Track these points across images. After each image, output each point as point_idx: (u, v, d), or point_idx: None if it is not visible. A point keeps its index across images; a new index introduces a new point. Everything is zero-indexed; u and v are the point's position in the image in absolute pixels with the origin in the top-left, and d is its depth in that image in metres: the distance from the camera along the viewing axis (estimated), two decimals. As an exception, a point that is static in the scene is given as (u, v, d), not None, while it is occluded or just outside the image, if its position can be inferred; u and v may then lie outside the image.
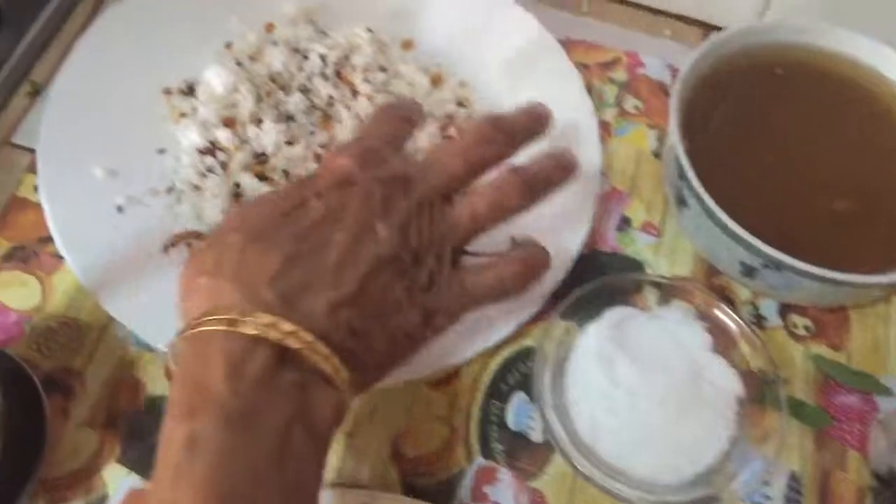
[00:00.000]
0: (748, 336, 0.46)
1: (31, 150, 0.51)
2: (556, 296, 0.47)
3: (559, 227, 0.50)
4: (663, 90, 0.58)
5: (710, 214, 0.45)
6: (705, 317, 0.47)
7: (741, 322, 0.47)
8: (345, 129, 0.52)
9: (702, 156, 0.47)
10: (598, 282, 0.47)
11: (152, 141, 0.51)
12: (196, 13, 0.55)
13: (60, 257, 0.46)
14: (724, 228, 0.45)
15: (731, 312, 0.47)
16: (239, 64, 0.53)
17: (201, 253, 0.36)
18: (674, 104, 0.47)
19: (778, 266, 0.44)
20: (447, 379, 0.46)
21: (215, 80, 0.51)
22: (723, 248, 0.47)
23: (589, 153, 0.53)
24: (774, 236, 0.44)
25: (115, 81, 0.52)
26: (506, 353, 0.47)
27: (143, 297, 0.45)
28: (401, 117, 0.43)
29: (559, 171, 0.43)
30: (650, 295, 0.48)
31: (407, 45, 0.57)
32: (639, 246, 0.52)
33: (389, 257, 0.36)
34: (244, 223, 0.36)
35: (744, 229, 0.44)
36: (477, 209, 0.39)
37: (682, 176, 0.47)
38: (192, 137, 0.50)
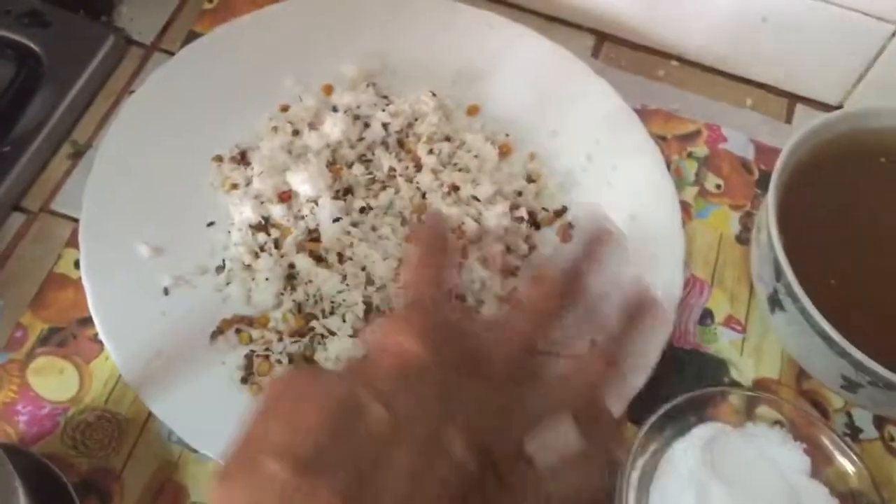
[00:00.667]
0: (846, 453, 0.42)
1: (73, 219, 0.47)
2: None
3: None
4: (746, 167, 0.53)
5: (812, 323, 0.41)
6: (799, 431, 0.43)
7: (839, 439, 0.42)
8: (404, 202, 0.48)
9: (800, 253, 0.42)
10: (686, 397, 0.43)
11: (201, 213, 0.48)
12: (249, 73, 0.52)
13: (101, 341, 0.43)
14: (828, 340, 0.41)
15: (827, 428, 0.43)
16: (296, 132, 0.50)
17: (230, 482, 0.27)
18: (771, 196, 0.43)
19: (890, 385, 0.40)
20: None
21: (302, 185, 0.47)
22: (823, 359, 0.42)
23: (671, 240, 0.48)
24: (883, 351, 0.40)
25: (163, 147, 0.49)
26: (581, 464, 0.43)
27: (188, 394, 0.42)
28: (438, 249, 0.35)
29: (646, 334, 0.35)
30: (738, 404, 0.44)
31: (472, 110, 0.53)
32: (722, 343, 0.48)
33: (464, 477, 0.29)
34: (284, 439, 0.27)
35: (852, 344, 0.40)
36: (553, 399, 0.32)
37: (779, 276, 0.43)
38: (245, 212, 0.47)
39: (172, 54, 0.54)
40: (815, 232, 0.45)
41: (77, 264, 0.45)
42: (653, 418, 0.42)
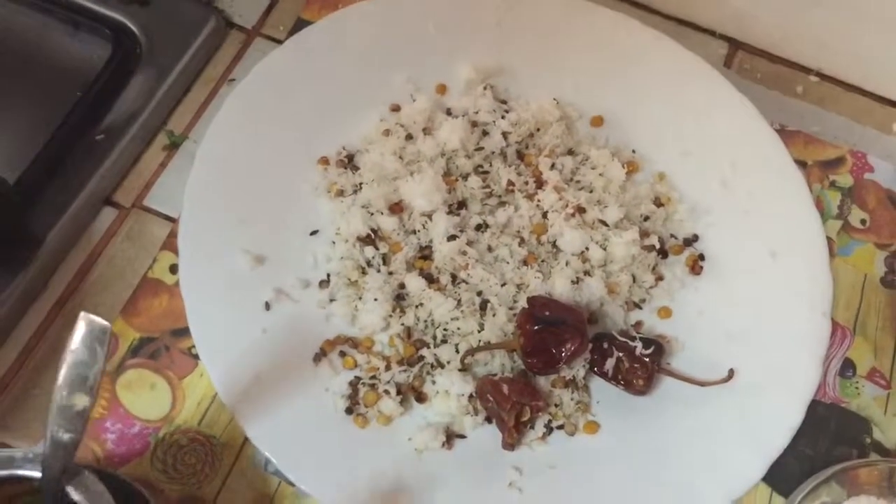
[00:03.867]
0: None
1: (166, 217, 0.44)
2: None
3: (784, 372, 0.42)
4: (893, 201, 0.49)
5: None
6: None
7: None
8: (523, 221, 0.44)
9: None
10: (833, 471, 0.39)
11: (304, 220, 0.44)
12: (359, 67, 0.48)
13: (196, 355, 0.40)
14: None
15: None
16: (409, 137, 0.46)
17: None
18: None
19: None
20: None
21: (417, 198, 0.43)
22: None
23: (817, 284, 0.44)
24: None
25: (266, 145, 0.45)
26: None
27: (288, 421, 0.38)
28: None
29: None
30: (886, 474, 0.39)
31: (596, 121, 0.49)
32: (864, 398, 0.43)
33: None
34: None
35: None
36: None
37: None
38: (352, 222, 0.43)
39: (275, 40, 0.50)
40: None
41: (172, 269, 0.42)
42: (800, 496, 0.38)
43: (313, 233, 0.44)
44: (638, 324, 0.44)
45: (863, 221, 0.48)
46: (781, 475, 0.40)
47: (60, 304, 0.42)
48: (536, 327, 0.40)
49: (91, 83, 0.46)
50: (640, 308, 0.44)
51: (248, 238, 0.42)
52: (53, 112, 0.45)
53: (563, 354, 0.40)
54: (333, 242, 0.44)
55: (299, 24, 0.50)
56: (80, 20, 0.48)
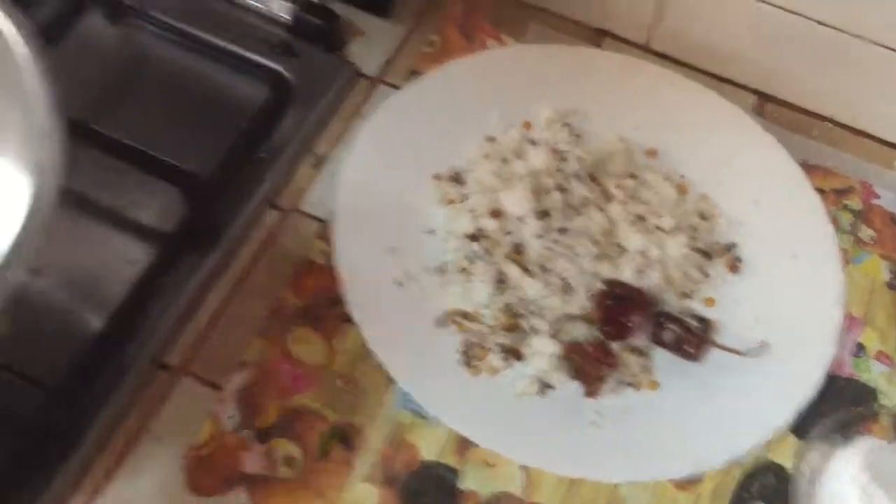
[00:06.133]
0: None
1: (316, 218, 0.56)
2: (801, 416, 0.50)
3: (805, 346, 0.53)
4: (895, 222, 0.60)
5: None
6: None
7: None
8: (596, 226, 0.56)
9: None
10: (846, 411, 0.49)
11: (423, 222, 0.56)
12: (461, 107, 0.61)
13: (344, 320, 0.51)
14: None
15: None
16: (504, 160, 0.58)
17: None
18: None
19: None
20: (692, 481, 0.49)
21: (512, 206, 0.55)
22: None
23: (831, 278, 0.55)
24: None
25: (392, 165, 0.57)
26: (749, 464, 0.49)
27: (420, 369, 0.50)
28: None
29: None
30: (888, 424, 0.50)
31: (651, 153, 0.61)
32: (873, 374, 0.54)
33: None
34: None
35: None
36: None
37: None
38: (462, 223, 0.55)
39: (394, 87, 0.63)
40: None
41: (324, 254, 0.54)
42: (820, 427, 0.48)
43: (430, 232, 0.56)
44: (689, 310, 0.55)
45: (871, 237, 0.59)
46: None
47: (240, 281, 0.53)
48: (610, 303, 0.51)
49: (255, 115, 0.59)
50: (690, 298, 0.55)
51: (382, 234, 0.54)
52: (227, 134, 0.58)
53: (631, 325, 0.51)
54: (446, 240, 0.55)
55: (413, 75, 0.63)
56: (244, 67, 0.62)
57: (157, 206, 0.54)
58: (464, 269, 0.54)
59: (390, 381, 0.50)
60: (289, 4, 0.63)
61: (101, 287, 0.52)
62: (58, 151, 0.38)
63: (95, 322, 0.50)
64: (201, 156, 0.56)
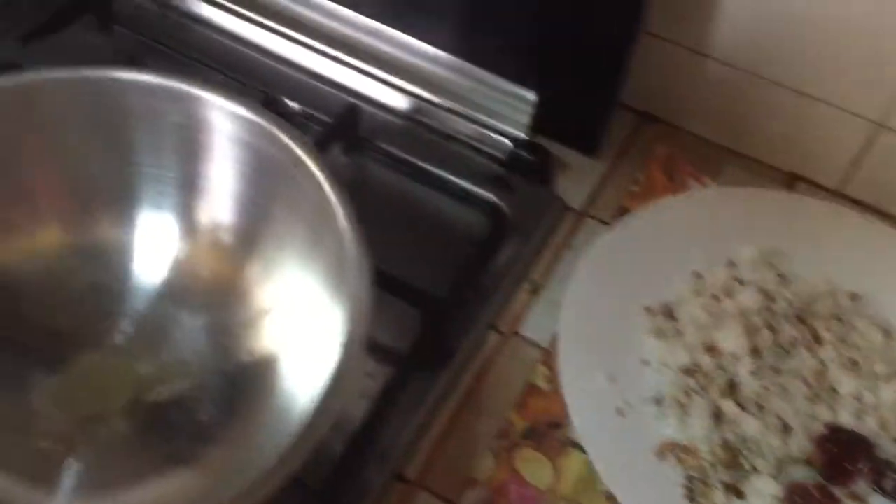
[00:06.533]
0: None
1: (534, 343, 0.60)
2: None
3: None
4: None
5: None
6: None
7: None
8: (808, 370, 0.58)
9: None
10: None
11: (638, 353, 0.59)
12: (668, 244, 0.64)
13: (568, 444, 0.54)
14: None
15: None
16: (715, 298, 0.61)
17: None
18: None
19: None
20: None
21: (726, 344, 0.58)
22: None
23: None
24: None
25: (608, 297, 0.61)
26: None
27: (645, 496, 0.52)
28: None
29: None
30: None
31: (854, 297, 0.63)
32: None
33: None
34: None
35: None
36: None
37: None
38: (677, 357, 0.58)
39: (599, 220, 0.67)
40: None
41: (546, 379, 0.57)
42: None
43: (644, 362, 0.59)
44: (903, 457, 0.55)
45: None
46: None
47: (466, 400, 0.57)
48: (833, 447, 0.53)
49: (477, 242, 0.64)
50: (905, 444, 0.56)
51: (601, 363, 0.58)
52: (454, 260, 0.63)
53: (855, 471, 0.52)
54: (660, 371, 0.58)
55: (622, 211, 0.67)
56: (464, 197, 0.67)
57: (394, 325, 0.59)
58: (680, 403, 0.56)
59: (612, 508, 0.52)
60: (505, 141, 0.69)
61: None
62: (366, 285, 0.43)
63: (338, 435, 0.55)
64: (435, 279, 0.61)
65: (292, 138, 0.52)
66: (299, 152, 0.51)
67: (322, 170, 0.49)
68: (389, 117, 0.72)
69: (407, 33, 0.71)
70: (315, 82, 0.72)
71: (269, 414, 0.50)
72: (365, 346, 0.44)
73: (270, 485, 0.41)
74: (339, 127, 0.68)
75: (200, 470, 0.49)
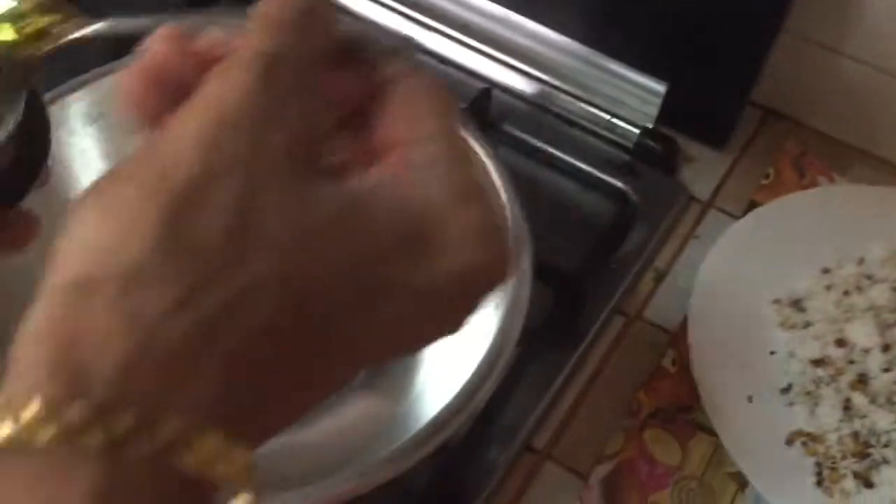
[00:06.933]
0: None
1: (658, 327, 0.61)
2: None
3: None
4: None
5: None
6: None
7: None
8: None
9: None
10: None
11: (766, 343, 0.59)
12: (797, 239, 0.64)
13: (695, 427, 0.55)
14: None
15: None
16: (846, 293, 0.61)
17: None
18: None
19: None
20: None
21: (857, 338, 0.58)
22: None
23: None
24: None
25: (736, 287, 0.62)
26: None
27: (776, 480, 0.53)
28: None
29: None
30: None
31: None
32: None
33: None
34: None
35: None
36: None
37: None
38: (806, 349, 0.58)
39: (723, 211, 0.68)
40: None
41: (674, 363, 0.58)
42: None
43: (772, 352, 0.59)
44: None
45: None
46: None
47: (593, 379, 0.59)
48: (968, 444, 0.53)
49: (606, 227, 0.66)
50: None
51: (731, 349, 0.58)
52: (584, 243, 0.65)
53: None
54: (787, 361, 0.59)
55: (751, 205, 0.68)
56: (592, 183, 0.69)
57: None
58: (809, 393, 0.57)
59: (741, 490, 0.53)
60: (632, 129, 0.70)
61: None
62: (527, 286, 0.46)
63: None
64: (565, 260, 0.62)
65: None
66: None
67: (486, 153, 0.51)
68: (518, 103, 0.73)
69: (538, 21, 0.73)
70: (448, 68, 0.74)
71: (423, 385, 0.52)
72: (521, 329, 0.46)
73: (424, 449, 0.43)
74: (472, 111, 0.70)
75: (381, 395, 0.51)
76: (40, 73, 0.32)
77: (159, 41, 0.24)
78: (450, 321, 0.23)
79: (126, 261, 0.20)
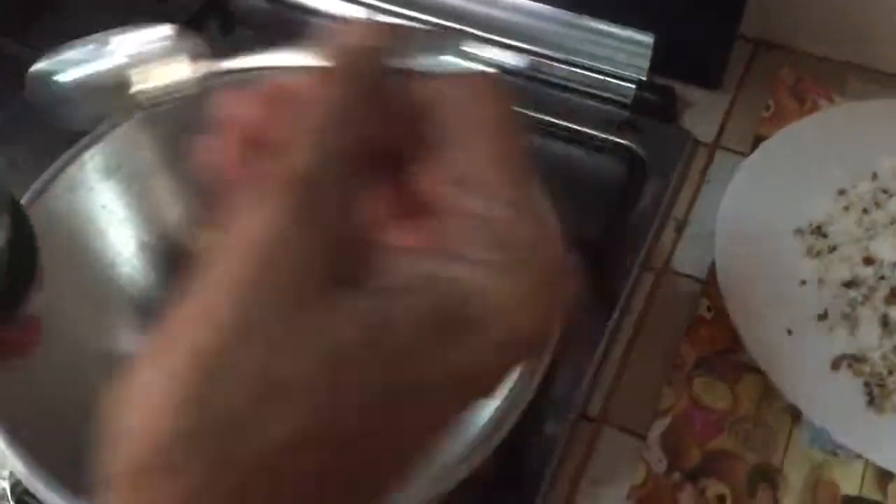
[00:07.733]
0: None
1: (690, 277, 0.62)
2: None
3: None
4: None
5: None
6: None
7: None
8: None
9: None
10: None
11: (795, 274, 0.60)
12: (809, 165, 0.65)
13: (741, 367, 0.56)
14: None
15: None
16: (865, 211, 0.62)
17: None
18: None
19: None
20: None
21: (885, 252, 0.59)
22: None
23: None
24: None
25: (757, 224, 0.63)
26: None
27: (828, 406, 0.54)
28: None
29: None
30: None
31: None
32: None
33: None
34: None
35: None
36: None
37: None
38: (836, 272, 0.59)
39: (732, 150, 0.69)
40: None
41: (709, 309, 0.59)
42: None
43: (802, 282, 0.60)
44: None
45: None
46: None
47: (633, 338, 0.60)
48: None
49: (619, 187, 0.66)
50: None
51: (762, 287, 0.59)
52: (601, 206, 0.65)
53: None
54: (819, 289, 0.59)
55: (755, 138, 0.68)
56: (599, 146, 0.69)
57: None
58: (846, 315, 0.58)
59: (796, 422, 0.54)
60: (628, 85, 0.71)
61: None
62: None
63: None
64: (585, 226, 0.63)
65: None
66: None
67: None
68: (509, 79, 0.74)
69: (517, -6, 0.73)
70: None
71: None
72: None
73: (496, 438, 0.44)
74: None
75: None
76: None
77: (235, 104, 0.23)
78: (482, 389, 0.22)
79: (135, 454, 0.19)
